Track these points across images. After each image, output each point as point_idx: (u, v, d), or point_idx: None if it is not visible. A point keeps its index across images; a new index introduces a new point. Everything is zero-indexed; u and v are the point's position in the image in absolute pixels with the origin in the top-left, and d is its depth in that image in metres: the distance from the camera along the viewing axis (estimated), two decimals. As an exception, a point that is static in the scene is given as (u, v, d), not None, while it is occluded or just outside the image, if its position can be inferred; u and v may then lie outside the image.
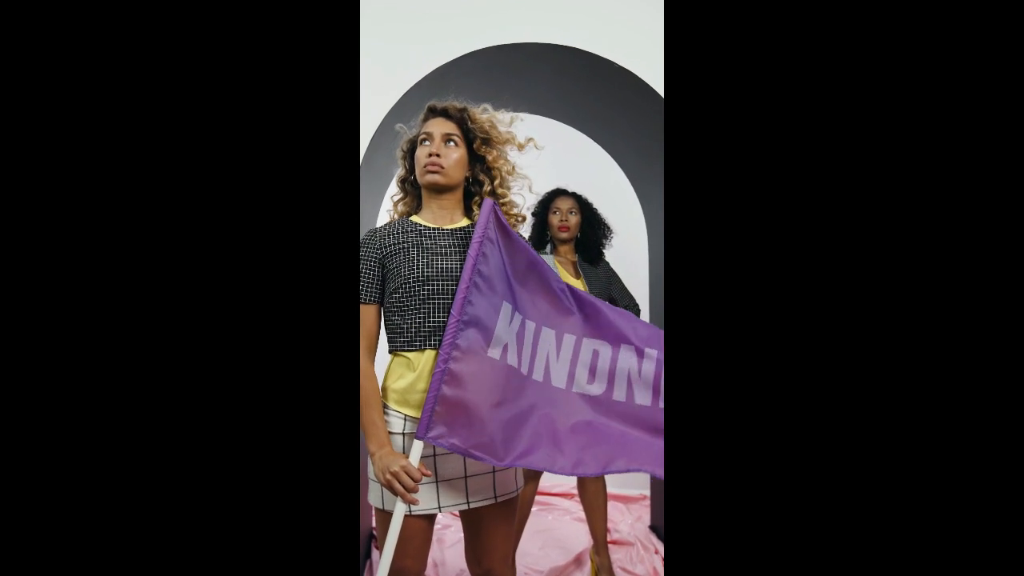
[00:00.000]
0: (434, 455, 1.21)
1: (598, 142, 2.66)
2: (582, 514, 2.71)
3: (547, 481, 3.12)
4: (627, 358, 1.28)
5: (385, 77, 1.92)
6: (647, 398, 1.27)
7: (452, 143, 1.26)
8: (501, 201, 1.28)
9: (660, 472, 1.21)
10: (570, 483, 3.02)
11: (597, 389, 1.27)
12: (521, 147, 1.32)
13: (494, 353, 1.18)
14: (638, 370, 1.28)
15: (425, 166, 1.24)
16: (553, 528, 2.85)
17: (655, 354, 1.28)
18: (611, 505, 2.92)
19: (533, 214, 2.34)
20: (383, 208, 2.51)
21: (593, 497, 2.22)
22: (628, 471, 1.25)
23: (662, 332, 1.28)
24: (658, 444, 1.26)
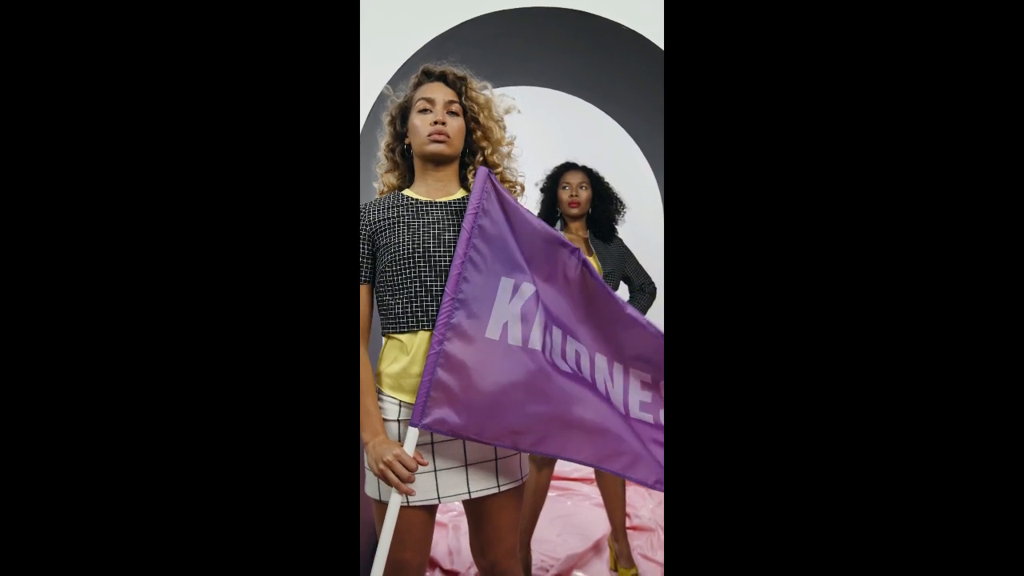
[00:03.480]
0: (432, 442, 1.13)
1: (608, 113, 2.56)
2: (601, 499, 2.64)
3: (565, 466, 3.05)
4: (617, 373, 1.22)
5: (384, 46, 1.83)
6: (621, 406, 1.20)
7: (453, 111, 1.18)
8: (496, 170, 1.20)
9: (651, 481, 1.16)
10: (588, 468, 2.95)
11: (614, 385, 1.19)
12: (501, 142, 1.24)
13: (492, 333, 1.10)
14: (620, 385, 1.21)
15: (430, 135, 1.16)
16: (572, 514, 2.79)
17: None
18: (631, 490, 2.84)
19: (542, 190, 2.26)
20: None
21: (611, 483, 2.15)
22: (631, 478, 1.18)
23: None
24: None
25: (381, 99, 1.81)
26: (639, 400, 1.22)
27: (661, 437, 1.20)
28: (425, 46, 1.85)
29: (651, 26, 1.86)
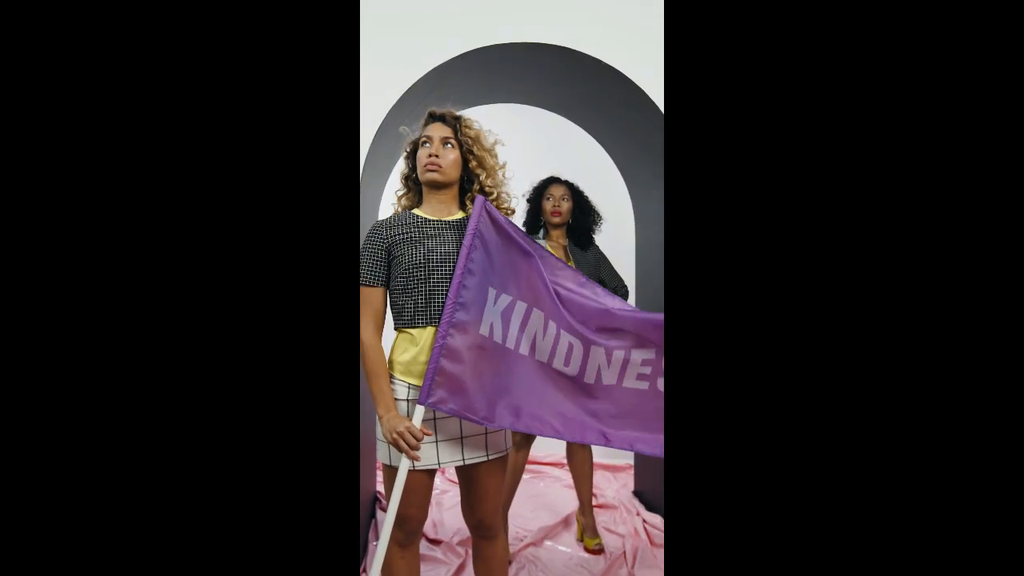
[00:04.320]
0: (434, 418, 1.38)
1: (590, 133, 2.80)
2: (571, 481, 2.91)
3: (538, 451, 3.31)
4: (597, 354, 1.44)
5: (386, 76, 2.06)
6: (613, 378, 1.45)
7: (449, 145, 1.42)
8: (491, 196, 1.44)
9: (625, 447, 1.43)
10: (560, 453, 3.22)
11: (570, 372, 1.44)
12: (496, 167, 1.47)
13: (484, 330, 1.35)
14: (607, 362, 1.44)
15: (425, 165, 1.41)
16: (544, 494, 3.06)
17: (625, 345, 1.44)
18: (598, 473, 3.12)
19: (528, 200, 2.49)
20: (384, 198, 2.67)
21: (580, 464, 2.42)
22: (598, 444, 1.44)
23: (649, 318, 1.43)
24: (630, 422, 1.45)
25: (392, 130, 2.04)
26: (636, 372, 1.45)
27: (659, 402, 1.42)
28: (425, 76, 2.08)
29: (628, 60, 2.12)
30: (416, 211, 1.46)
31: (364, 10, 1.98)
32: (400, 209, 1.52)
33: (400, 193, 1.53)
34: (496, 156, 1.49)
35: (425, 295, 1.37)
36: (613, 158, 2.82)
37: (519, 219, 2.48)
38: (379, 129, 2.07)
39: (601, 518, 2.62)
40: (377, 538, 2.33)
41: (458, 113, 1.47)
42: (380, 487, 2.74)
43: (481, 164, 1.44)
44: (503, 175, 1.50)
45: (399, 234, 1.41)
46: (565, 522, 2.63)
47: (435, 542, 2.40)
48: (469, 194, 1.46)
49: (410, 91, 2.10)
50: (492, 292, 1.38)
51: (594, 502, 2.68)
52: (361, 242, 1.45)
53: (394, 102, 2.07)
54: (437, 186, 1.43)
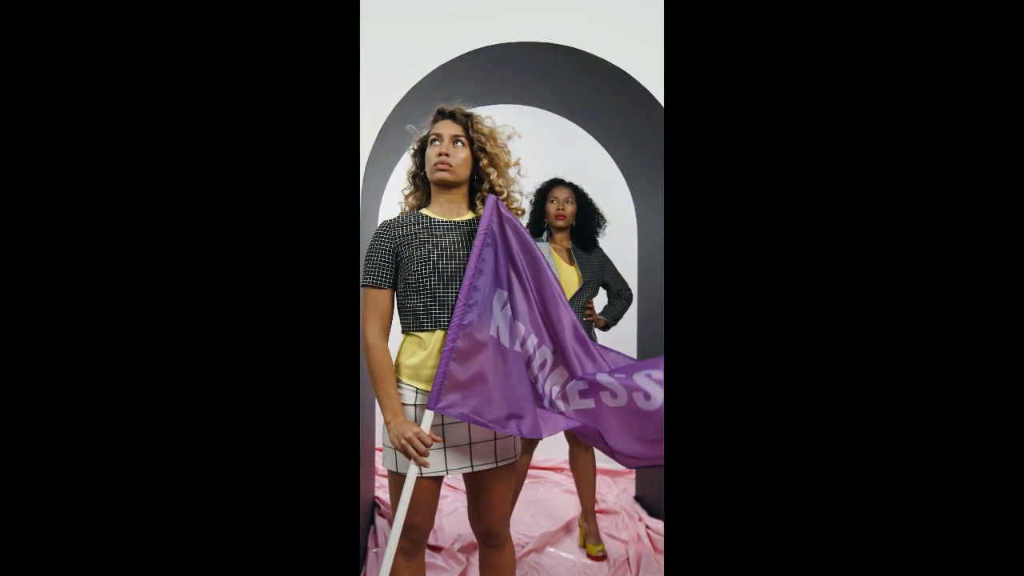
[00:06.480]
0: (442, 424, 1.35)
1: (593, 135, 2.78)
2: (571, 486, 2.88)
3: (539, 456, 3.28)
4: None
5: (387, 77, 2.03)
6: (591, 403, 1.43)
7: (459, 143, 1.39)
8: (502, 195, 1.41)
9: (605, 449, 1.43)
10: (561, 457, 3.18)
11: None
12: (508, 165, 1.44)
13: (493, 332, 1.32)
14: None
15: (435, 164, 1.37)
16: (544, 499, 3.03)
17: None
18: (599, 479, 3.09)
19: (531, 202, 2.47)
20: (384, 197, 2.63)
21: (583, 469, 2.39)
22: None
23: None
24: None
25: (395, 129, 2.01)
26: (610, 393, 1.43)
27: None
28: (428, 75, 2.05)
29: (633, 60, 2.10)
30: (424, 211, 1.43)
31: (364, 10, 1.95)
32: (407, 208, 1.48)
33: (407, 192, 1.49)
34: (509, 153, 1.45)
35: (434, 298, 1.34)
36: (615, 159, 2.80)
37: (523, 221, 2.45)
38: (381, 129, 2.04)
39: (603, 524, 2.59)
40: (376, 545, 2.30)
41: (468, 111, 1.43)
42: (379, 492, 2.70)
43: (493, 162, 1.41)
44: (516, 172, 1.47)
45: (407, 235, 1.38)
46: (567, 528, 2.60)
47: (436, 549, 2.36)
48: (479, 194, 1.43)
49: (412, 91, 2.07)
50: (500, 293, 1.35)
51: (596, 507, 2.65)
52: (365, 243, 1.41)
53: (396, 103, 2.04)
54: (447, 185, 1.40)
